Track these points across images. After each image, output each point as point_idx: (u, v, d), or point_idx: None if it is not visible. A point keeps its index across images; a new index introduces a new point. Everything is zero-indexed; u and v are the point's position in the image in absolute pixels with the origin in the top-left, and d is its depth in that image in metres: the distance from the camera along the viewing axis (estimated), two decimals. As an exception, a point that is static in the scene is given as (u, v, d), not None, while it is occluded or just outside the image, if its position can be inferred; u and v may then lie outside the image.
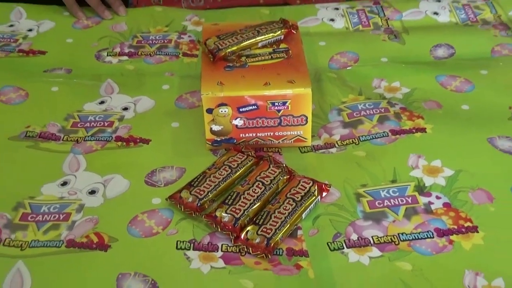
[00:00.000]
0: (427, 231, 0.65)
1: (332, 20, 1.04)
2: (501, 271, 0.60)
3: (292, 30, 0.83)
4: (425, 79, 0.90)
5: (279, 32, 0.82)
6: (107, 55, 0.98)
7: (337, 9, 1.07)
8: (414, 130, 0.80)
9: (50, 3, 1.08)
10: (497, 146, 0.77)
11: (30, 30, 1.04)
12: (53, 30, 1.05)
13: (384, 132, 0.80)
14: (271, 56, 0.79)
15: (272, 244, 0.63)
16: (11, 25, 1.05)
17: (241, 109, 0.74)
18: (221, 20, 1.05)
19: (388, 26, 1.03)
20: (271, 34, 0.82)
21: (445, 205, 0.69)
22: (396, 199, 0.70)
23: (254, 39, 0.81)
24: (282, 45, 0.81)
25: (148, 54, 0.99)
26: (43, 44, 1.01)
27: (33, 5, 1.10)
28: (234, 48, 0.79)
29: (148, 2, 1.12)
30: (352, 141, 0.79)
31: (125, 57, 0.98)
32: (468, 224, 0.66)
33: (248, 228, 0.65)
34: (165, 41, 1.01)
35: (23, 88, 0.89)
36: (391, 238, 0.64)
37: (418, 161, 0.75)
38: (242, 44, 0.80)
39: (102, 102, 0.87)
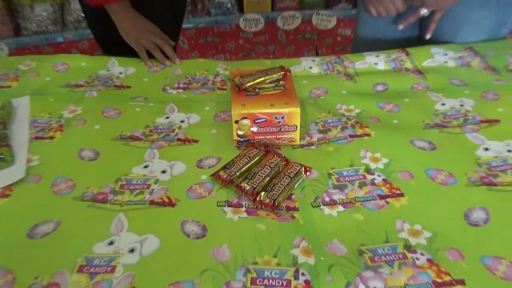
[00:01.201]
0: (373, 196, 0.67)
1: (310, 67, 1.05)
2: (419, 220, 0.63)
3: (287, 73, 0.84)
4: (370, 104, 0.90)
5: (279, 74, 0.82)
6: (169, 89, 0.98)
7: (313, 61, 1.07)
8: (363, 135, 0.80)
9: (133, 56, 1.08)
10: (415, 145, 0.77)
11: (120, 73, 1.03)
12: (135, 73, 1.04)
13: (345, 136, 0.80)
14: (274, 89, 0.79)
15: (276, 203, 0.65)
16: (108, 70, 1.04)
17: (256, 121, 0.74)
18: (240, 67, 1.04)
19: (346, 71, 1.03)
20: (274, 75, 0.82)
21: (384, 180, 0.70)
22: (353, 176, 0.71)
23: (263, 78, 0.81)
24: (281, 82, 0.81)
25: (195, 88, 0.98)
26: (129, 82, 1.01)
27: (122, 58, 1.08)
28: (251, 83, 0.79)
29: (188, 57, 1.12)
30: (325, 142, 0.79)
31: (181, 90, 0.97)
32: (398, 192, 0.67)
33: (261, 193, 0.66)
34: (206, 80, 1.01)
35: (118, 108, 0.89)
36: (350, 200, 0.66)
37: (366, 153, 0.75)
38: (256, 81, 0.80)
39: (167, 117, 0.87)
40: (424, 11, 1.04)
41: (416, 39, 1.11)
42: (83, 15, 2.13)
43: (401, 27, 1.09)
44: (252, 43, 2.43)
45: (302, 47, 2.45)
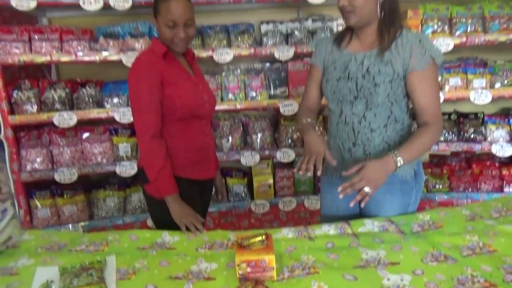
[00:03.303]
0: None
1: (287, 233, 1.28)
2: None
3: (269, 236, 1.10)
4: (321, 255, 1.15)
5: (264, 237, 1.10)
6: (200, 249, 1.23)
7: (290, 229, 1.28)
8: (314, 273, 1.05)
9: (175, 229, 1.36)
10: (345, 278, 1.03)
11: (169, 240, 1.31)
12: (179, 240, 1.31)
13: (303, 274, 1.05)
14: (261, 245, 1.06)
15: None
16: (162, 238, 1.30)
17: (249, 264, 1.03)
18: (243, 234, 1.26)
19: (309, 235, 1.27)
20: (261, 237, 1.09)
21: None
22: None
23: (254, 239, 1.08)
24: (265, 241, 1.08)
25: (215, 248, 1.24)
26: (175, 245, 1.28)
27: (170, 231, 1.34)
28: (247, 242, 1.08)
29: None
30: (292, 277, 1.04)
31: (207, 249, 1.24)
32: None
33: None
34: (222, 243, 1.26)
35: (168, 261, 1.17)
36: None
37: (315, 283, 1.01)
38: (250, 241, 1.08)
39: (198, 265, 1.13)
40: (367, 189, 1.21)
41: (357, 215, 1.48)
42: (138, 204, 2.64)
43: (351, 204, 1.26)
44: (261, 222, 2.75)
45: (298, 223, 2.73)
